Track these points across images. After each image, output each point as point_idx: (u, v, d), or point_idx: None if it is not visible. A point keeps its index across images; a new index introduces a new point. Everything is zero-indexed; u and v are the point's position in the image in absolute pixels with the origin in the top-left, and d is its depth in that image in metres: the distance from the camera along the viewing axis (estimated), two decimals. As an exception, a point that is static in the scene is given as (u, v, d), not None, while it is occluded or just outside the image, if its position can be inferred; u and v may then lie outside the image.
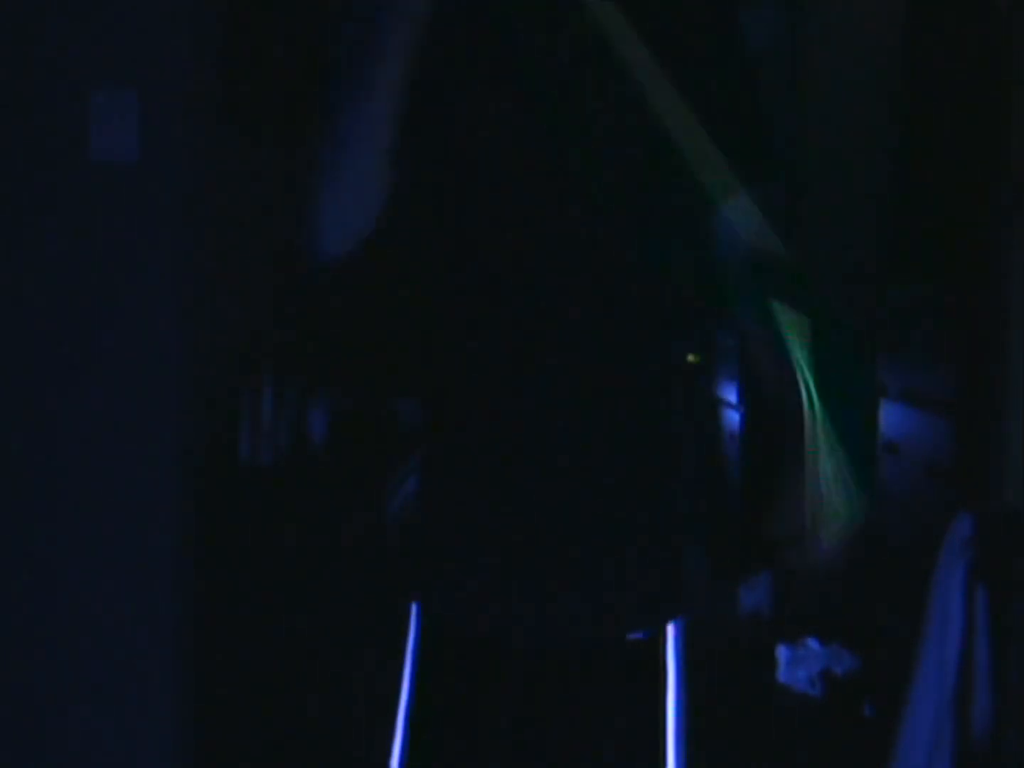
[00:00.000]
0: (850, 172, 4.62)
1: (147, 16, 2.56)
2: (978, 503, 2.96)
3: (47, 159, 2.57)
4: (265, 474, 2.87)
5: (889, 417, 3.72)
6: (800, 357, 1.42)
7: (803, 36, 5.00)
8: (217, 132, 2.81)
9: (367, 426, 3.37)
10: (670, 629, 1.62)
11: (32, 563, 2.60)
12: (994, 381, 2.98)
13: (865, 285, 4.41)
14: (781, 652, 4.20)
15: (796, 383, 1.53)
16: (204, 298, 2.74)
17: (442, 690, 1.62)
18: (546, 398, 1.55)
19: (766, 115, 1.62)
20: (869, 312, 4.24)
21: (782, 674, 4.15)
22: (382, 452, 3.16)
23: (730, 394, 5.54)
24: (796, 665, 4.13)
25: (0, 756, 2.61)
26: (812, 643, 4.20)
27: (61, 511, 2.58)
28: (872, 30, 4.46)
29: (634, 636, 1.59)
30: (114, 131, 2.54)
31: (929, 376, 3.45)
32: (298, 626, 2.77)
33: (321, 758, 2.80)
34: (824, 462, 1.42)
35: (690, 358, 1.72)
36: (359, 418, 3.36)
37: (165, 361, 2.58)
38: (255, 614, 2.75)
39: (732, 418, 5.52)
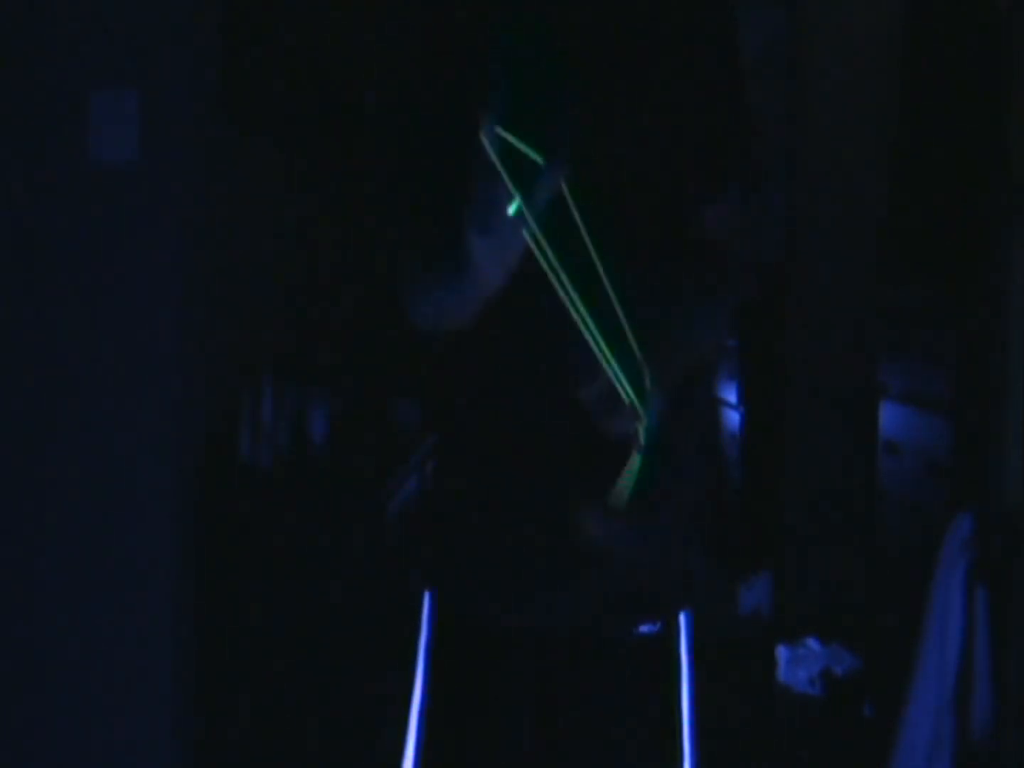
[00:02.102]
0: (850, 172, 4.63)
1: (147, 16, 2.56)
2: (978, 503, 2.96)
3: (47, 159, 2.57)
4: (265, 474, 2.87)
5: (889, 417, 3.72)
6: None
7: (803, 36, 5.00)
8: (217, 132, 2.81)
9: (367, 426, 3.37)
10: (682, 620, 1.63)
11: (31, 562, 2.60)
12: (994, 381, 2.98)
13: (865, 285, 4.41)
14: (781, 652, 4.20)
15: None
16: (204, 298, 2.74)
17: (457, 677, 1.63)
18: (556, 390, 1.55)
19: (748, 117, 1.63)
20: (869, 312, 4.25)
21: (782, 674, 4.15)
22: (382, 452, 3.16)
23: (730, 394, 5.54)
24: (796, 665, 4.13)
25: (1, 756, 2.61)
26: (812, 643, 4.21)
27: (61, 511, 2.59)
28: (872, 30, 4.46)
29: (648, 628, 1.60)
30: (114, 131, 2.54)
31: (929, 376, 3.45)
32: (298, 626, 2.78)
33: (327, 757, 2.80)
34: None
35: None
36: (359, 418, 3.37)
37: (165, 361, 2.58)
38: (255, 614, 2.75)
39: (732, 418, 5.52)
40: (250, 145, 3.12)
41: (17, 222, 2.59)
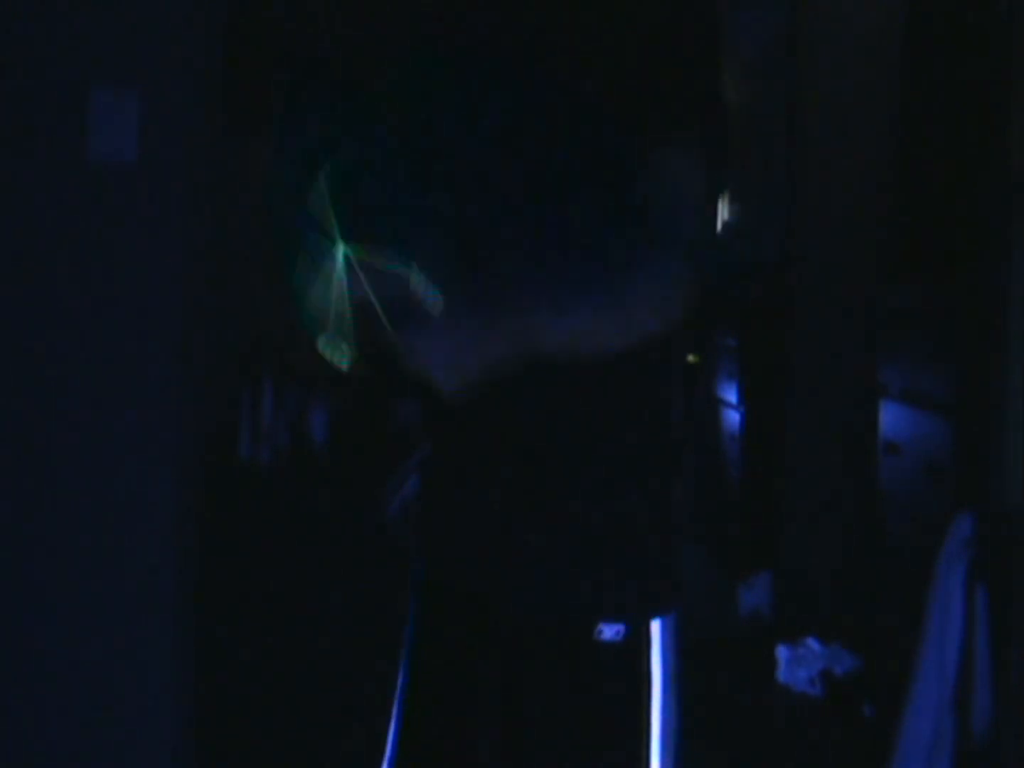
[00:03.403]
0: (850, 172, 4.62)
1: (147, 16, 2.56)
2: (978, 503, 2.96)
3: (46, 159, 2.57)
4: (265, 474, 2.87)
5: (889, 417, 3.72)
6: None
7: (803, 36, 5.00)
8: (217, 132, 2.81)
9: (367, 426, 3.37)
10: (655, 627, 1.60)
11: (31, 562, 2.59)
12: (994, 381, 2.98)
13: (865, 285, 4.41)
14: (781, 652, 4.20)
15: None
16: (204, 298, 2.74)
17: (436, 660, 1.65)
18: (545, 391, 1.56)
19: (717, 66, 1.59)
20: (869, 312, 4.24)
21: (782, 674, 4.15)
22: (382, 452, 3.16)
23: (730, 394, 5.55)
24: (796, 665, 4.13)
25: (0, 756, 2.61)
26: (812, 643, 4.20)
27: (60, 511, 2.58)
28: (872, 30, 4.46)
29: (612, 634, 1.58)
30: (114, 131, 2.54)
31: (929, 376, 3.45)
32: (297, 624, 2.78)
33: (327, 753, 2.81)
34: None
35: (690, 358, 1.72)
36: (359, 418, 3.37)
37: (165, 361, 2.58)
38: (255, 612, 2.75)
39: (732, 418, 5.52)
40: (250, 144, 3.12)
41: (16, 221, 2.58)
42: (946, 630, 2.87)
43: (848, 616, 4.26)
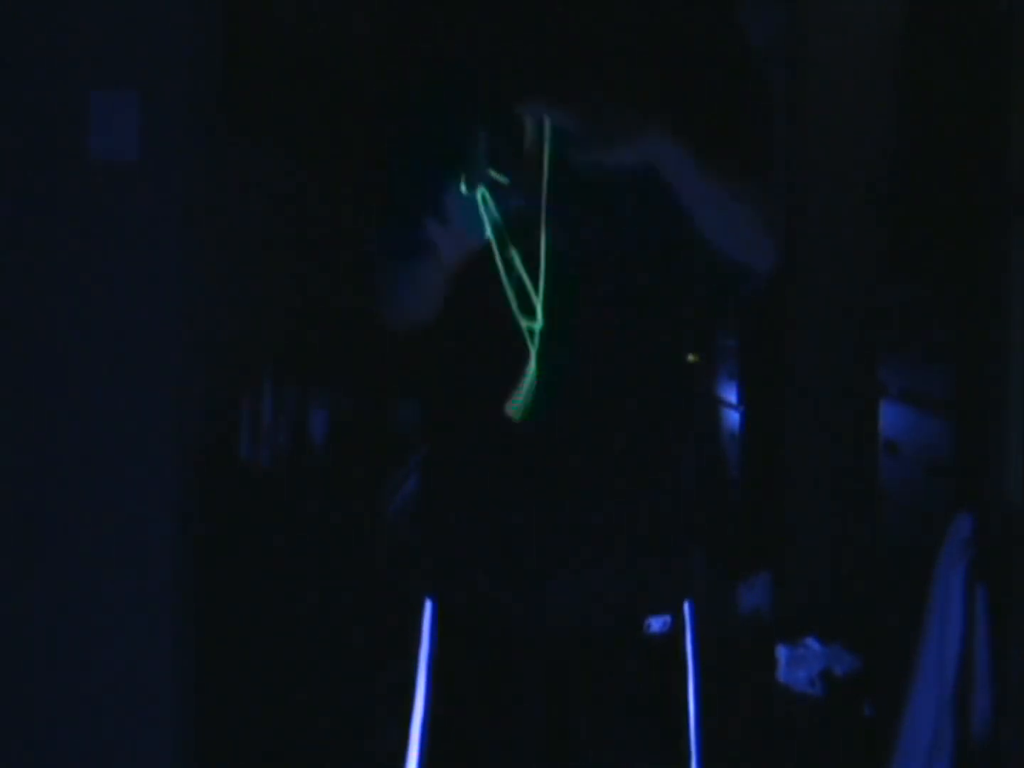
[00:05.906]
0: (849, 172, 4.62)
1: (147, 16, 2.56)
2: (978, 503, 2.96)
3: (47, 158, 2.57)
4: (265, 474, 2.87)
5: (889, 417, 3.72)
6: None
7: (803, 36, 5.00)
8: (217, 132, 2.81)
9: (367, 427, 3.37)
10: (686, 611, 1.63)
11: (32, 563, 2.60)
12: (994, 381, 2.98)
13: (865, 284, 4.41)
14: (781, 652, 4.20)
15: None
16: (204, 298, 2.74)
17: (463, 685, 1.62)
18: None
19: (760, 105, 1.64)
20: (869, 312, 4.24)
21: (782, 674, 4.15)
22: (382, 452, 3.16)
23: (730, 394, 5.55)
24: (796, 665, 4.13)
25: (0, 756, 2.61)
26: (812, 643, 4.21)
27: (60, 511, 2.59)
28: (872, 30, 4.46)
29: (659, 626, 1.60)
30: (114, 131, 2.54)
31: (929, 376, 3.45)
32: (298, 625, 2.78)
33: (326, 757, 2.80)
34: None
35: (690, 358, 1.72)
36: (359, 419, 3.37)
37: (165, 361, 2.58)
38: (255, 614, 2.75)
39: (732, 418, 5.52)
40: (250, 144, 3.12)
41: (17, 221, 2.59)
42: (946, 630, 2.87)
43: (848, 616, 4.26)
